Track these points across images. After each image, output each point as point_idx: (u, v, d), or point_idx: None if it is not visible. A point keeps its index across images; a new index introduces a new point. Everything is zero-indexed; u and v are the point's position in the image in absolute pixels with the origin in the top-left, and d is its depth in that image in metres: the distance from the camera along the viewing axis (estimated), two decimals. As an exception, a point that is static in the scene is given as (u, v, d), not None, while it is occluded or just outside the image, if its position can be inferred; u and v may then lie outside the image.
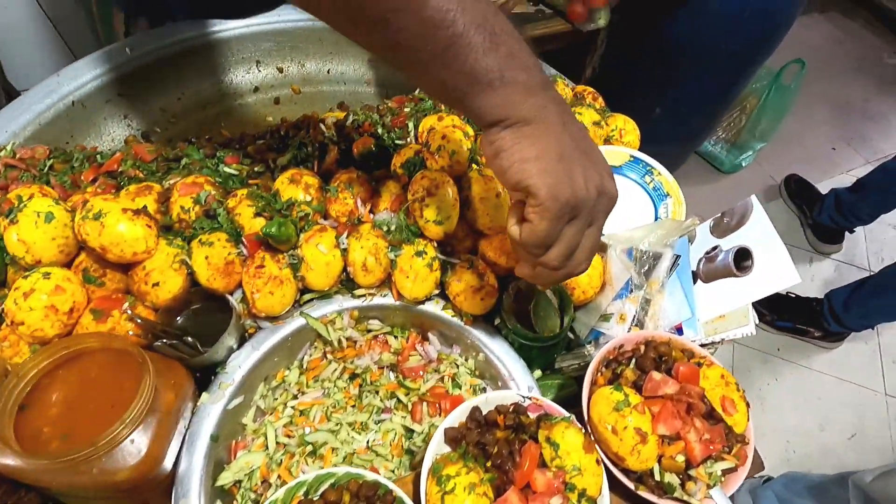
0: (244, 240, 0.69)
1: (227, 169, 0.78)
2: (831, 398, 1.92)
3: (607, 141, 0.94)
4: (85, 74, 0.98)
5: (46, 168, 0.76)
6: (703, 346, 0.72)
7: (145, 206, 0.69)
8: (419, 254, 0.71)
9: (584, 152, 0.50)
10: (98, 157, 0.77)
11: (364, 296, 0.74)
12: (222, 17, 1.09)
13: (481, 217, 0.73)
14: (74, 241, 0.64)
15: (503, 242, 0.74)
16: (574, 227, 0.50)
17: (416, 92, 0.96)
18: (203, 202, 0.70)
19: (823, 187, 2.50)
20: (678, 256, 0.76)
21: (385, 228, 0.72)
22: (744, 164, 2.86)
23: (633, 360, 0.67)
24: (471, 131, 0.81)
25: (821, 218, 2.35)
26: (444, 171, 0.73)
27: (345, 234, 0.72)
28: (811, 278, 2.30)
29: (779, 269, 0.71)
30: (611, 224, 0.58)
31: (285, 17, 1.14)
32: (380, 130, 0.85)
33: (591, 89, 1.00)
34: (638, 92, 2.18)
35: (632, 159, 0.93)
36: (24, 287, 0.59)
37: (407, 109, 0.88)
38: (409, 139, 0.84)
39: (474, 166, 0.75)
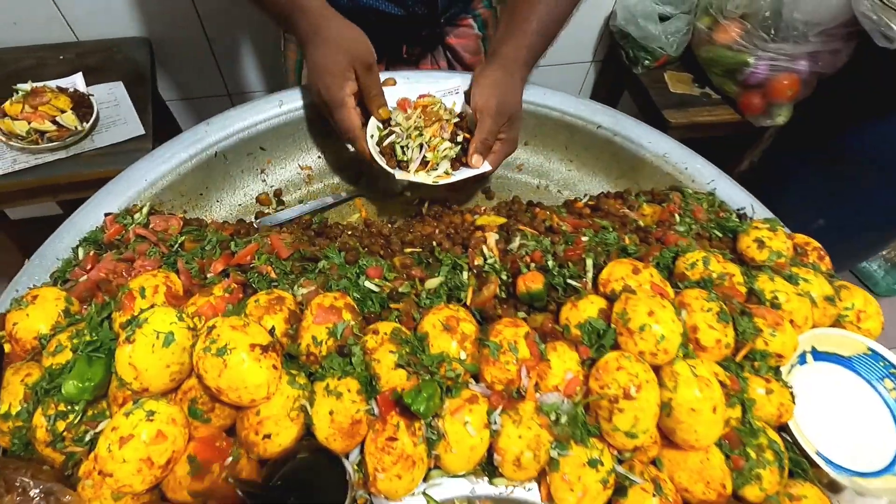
0: (377, 400, 0.55)
1: (368, 284, 0.66)
2: None
3: (837, 323, 0.72)
4: (234, 124, 0.91)
5: (177, 245, 0.68)
6: None
7: (273, 330, 0.57)
8: (592, 463, 0.53)
9: None
10: (232, 244, 0.67)
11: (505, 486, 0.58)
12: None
13: (685, 432, 0.54)
14: (189, 366, 0.53)
15: (704, 465, 0.55)
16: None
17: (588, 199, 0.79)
18: (339, 335, 0.58)
19: None
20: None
21: (553, 416, 0.56)
22: (903, 290, 2.44)
23: None
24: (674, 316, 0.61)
25: None
26: (643, 360, 0.56)
27: (499, 410, 0.56)
28: None
29: None
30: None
31: (439, 87, 1.02)
32: (549, 263, 0.69)
33: (814, 243, 0.78)
34: (800, 198, 1.90)
35: (869, 353, 0.70)
36: (123, 430, 0.48)
37: (585, 238, 0.72)
38: (586, 283, 0.67)
39: (684, 362, 0.57)
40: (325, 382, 0.56)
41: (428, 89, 0.95)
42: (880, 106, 1.59)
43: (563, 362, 0.58)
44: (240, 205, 0.95)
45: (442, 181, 0.83)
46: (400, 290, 0.66)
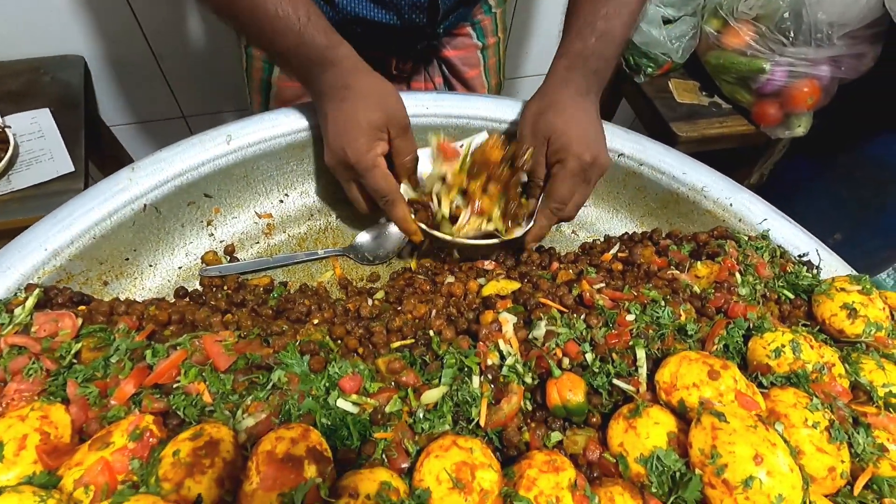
0: None
1: (342, 403, 0.47)
2: None
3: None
4: (168, 169, 0.72)
5: (69, 357, 0.48)
6: None
7: (199, 499, 0.38)
8: None
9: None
10: (148, 353, 0.48)
11: None
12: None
13: None
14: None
15: None
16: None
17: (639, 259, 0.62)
18: (298, 506, 0.39)
19: None
20: None
21: None
22: (914, 300, 2.32)
23: None
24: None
25: None
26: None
27: None
28: None
29: None
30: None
31: (434, 110, 0.84)
32: (588, 357, 0.51)
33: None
34: (814, 211, 1.76)
35: None
36: None
37: (631, 317, 0.54)
38: (638, 383, 0.49)
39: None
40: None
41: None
42: (903, 113, 1.45)
43: (628, 525, 0.40)
44: (180, 267, 0.75)
45: (495, 240, 0.72)
46: (387, 408, 0.48)
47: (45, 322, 0.49)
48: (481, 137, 0.82)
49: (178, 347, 0.49)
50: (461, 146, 0.80)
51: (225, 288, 0.72)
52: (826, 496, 0.45)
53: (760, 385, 0.51)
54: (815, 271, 0.69)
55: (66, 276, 0.64)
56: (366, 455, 0.45)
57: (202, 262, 0.76)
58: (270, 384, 0.48)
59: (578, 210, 0.72)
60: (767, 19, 1.35)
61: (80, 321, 0.51)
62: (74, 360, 0.49)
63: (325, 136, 0.72)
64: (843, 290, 0.60)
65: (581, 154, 0.66)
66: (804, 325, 0.60)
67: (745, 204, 0.78)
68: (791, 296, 0.64)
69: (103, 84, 1.38)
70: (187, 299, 0.69)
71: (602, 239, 0.84)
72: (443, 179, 0.74)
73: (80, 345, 0.49)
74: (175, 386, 0.47)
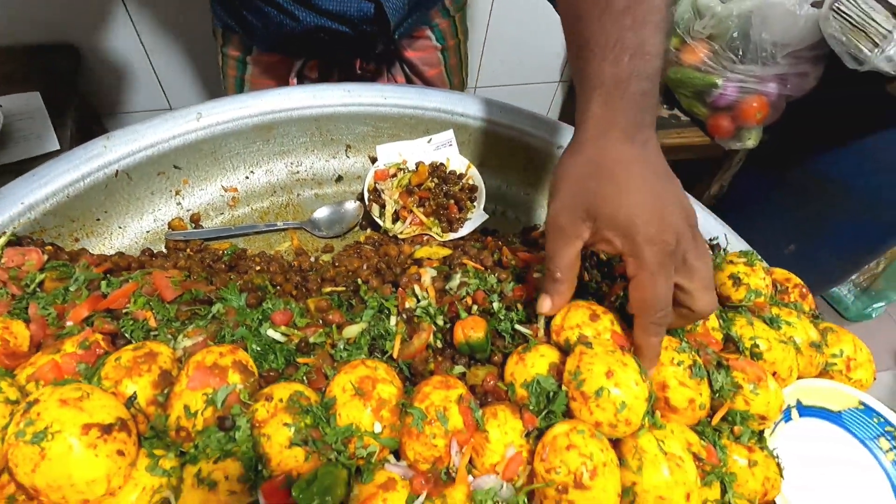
0: (262, 491, 0.42)
1: (271, 332, 0.53)
2: None
3: (824, 373, 0.63)
4: (141, 139, 0.79)
5: (34, 285, 0.55)
6: None
7: (133, 398, 0.45)
8: (539, 568, 0.42)
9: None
10: (103, 283, 0.55)
11: None
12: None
13: (653, 526, 0.43)
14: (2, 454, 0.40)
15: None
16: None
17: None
18: (220, 404, 0.45)
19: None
20: None
21: (489, 505, 0.44)
22: (873, 315, 2.42)
23: None
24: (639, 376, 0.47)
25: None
26: (599, 435, 0.45)
27: (422, 497, 0.44)
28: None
29: None
30: None
31: (392, 101, 0.93)
32: (495, 305, 0.58)
33: (795, 279, 0.70)
34: (770, 223, 1.85)
35: (861, 407, 0.61)
36: None
37: (538, 275, 0.61)
38: (537, 329, 0.56)
39: (650, 434, 0.46)
40: (196, 467, 0.43)
41: (415, 147, 0.92)
42: (848, 131, 1.55)
43: (504, 434, 0.47)
44: (148, 231, 0.82)
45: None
46: (311, 339, 0.54)
47: (14, 255, 0.56)
48: (446, 136, 0.92)
49: (130, 281, 0.55)
50: (428, 140, 0.91)
51: (188, 251, 0.79)
52: (689, 427, 0.52)
53: (643, 334, 0.58)
54: (721, 252, 0.77)
55: (39, 228, 0.71)
56: (288, 375, 0.52)
57: (168, 228, 0.83)
58: (210, 315, 0.55)
59: (705, 308, 0.49)
60: (720, 38, 1.46)
61: (45, 258, 0.58)
62: (38, 289, 0.55)
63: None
64: (731, 262, 0.67)
65: (657, 236, 0.45)
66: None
67: (666, 193, 0.86)
68: (691, 269, 0.71)
69: (94, 73, 1.46)
70: (150, 258, 0.75)
71: (542, 224, 0.92)
72: (380, 195, 0.87)
73: (43, 275, 0.55)
74: (125, 312, 0.53)
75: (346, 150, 0.96)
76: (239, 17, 0.98)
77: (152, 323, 0.53)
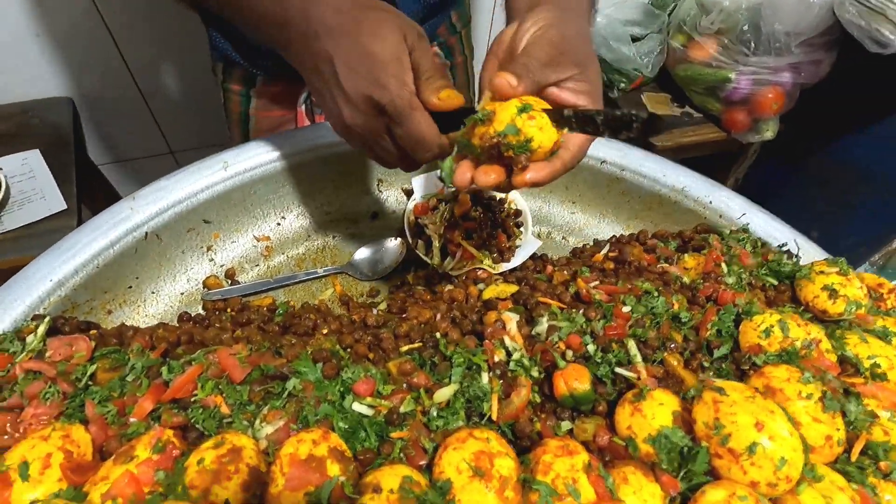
0: None
1: (357, 406, 0.48)
2: None
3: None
4: (168, 197, 0.73)
5: (84, 379, 0.49)
6: None
7: (226, 506, 0.39)
8: None
9: None
10: (164, 369, 0.49)
11: None
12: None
13: None
14: None
15: None
16: None
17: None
18: (325, 503, 0.40)
19: None
20: None
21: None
22: (892, 294, 2.40)
23: None
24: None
25: None
26: (764, 500, 0.40)
27: (564, 586, 0.39)
28: None
29: None
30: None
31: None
32: (590, 348, 0.53)
33: (889, 284, 0.66)
34: (790, 212, 1.82)
35: None
36: None
37: (627, 308, 0.57)
38: (638, 370, 0.51)
39: (812, 489, 0.41)
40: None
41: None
42: (864, 115, 1.54)
43: (643, 502, 0.42)
44: (182, 293, 0.76)
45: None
46: (401, 409, 0.49)
47: (59, 346, 0.50)
48: None
49: (192, 363, 0.50)
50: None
51: (228, 310, 0.73)
52: (825, 464, 0.48)
53: (754, 365, 0.53)
54: (795, 258, 0.73)
55: (70, 305, 0.65)
56: (385, 454, 0.46)
57: (203, 287, 0.77)
58: (286, 392, 0.49)
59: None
60: (729, 32, 1.43)
61: (93, 344, 0.52)
62: (90, 382, 0.49)
63: (333, 91, 0.54)
64: (822, 272, 0.63)
65: (562, 50, 0.52)
66: (790, 307, 0.63)
67: (723, 201, 0.82)
68: (775, 282, 0.67)
69: (91, 123, 1.40)
70: (192, 323, 0.69)
71: (591, 243, 0.88)
72: (423, 231, 0.82)
73: (95, 366, 0.50)
74: (192, 400, 0.48)
75: (377, 185, 0.91)
76: (241, 45, 0.92)
77: (224, 409, 0.47)
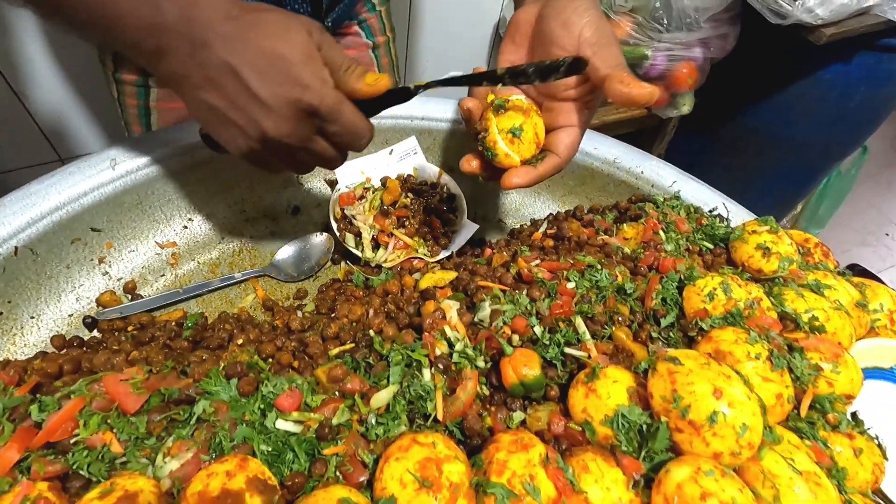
0: None
1: (281, 423, 0.42)
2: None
3: (871, 331, 0.60)
4: (39, 203, 0.62)
5: (-73, 433, 0.39)
6: None
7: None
8: None
9: None
10: (33, 409, 0.40)
11: None
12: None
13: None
14: None
15: None
16: None
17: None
18: (245, 546, 0.33)
19: (884, 277, 2.25)
20: None
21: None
22: (800, 253, 2.61)
23: None
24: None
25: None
26: (729, 471, 0.37)
27: None
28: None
29: None
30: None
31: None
32: (537, 330, 0.50)
33: (814, 238, 0.67)
34: (709, 180, 1.91)
35: (911, 360, 0.59)
36: None
37: (571, 285, 0.53)
38: (587, 348, 0.48)
39: (773, 453, 0.39)
40: None
41: (377, 161, 0.82)
42: (769, 84, 1.63)
43: (607, 490, 0.38)
44: (70, 315, 0.65)
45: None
46: (334, 420, 0.43)
47: None
48: (409, 144, 0.82)
49: (72, 396, 0.41)
50: (390, 151, 0.81)
51: (129, 329, 0.64)
52: (778, 423, 0.47)
53: (701, 330, 0.52)
54: (726, 221, 0.73)
55: (-78, 344, 0.53)
56: (317, 475, 0.40)
57: (98, 306, 0.66)
58: (194, 418, 0.42)
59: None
60: (643, 10, 1.46)
61: (-60, 386, 0.42)
62: (-63, 435, 0.39)
63: (244, 104, 0.47)
64: (754, 232, 0.64)
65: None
66: (728, 269, 0.63)
67: (654, 170, 0.82)
68: (710, 246, 0.67)
69: (-44, 133, 1.21)
70: (81, 349, 0.59)
71: (528, 223, 0.85)
72: (351, 222, 0.76)
73: (-60, 415, 0.40)
74: (73, 441, 0.39)
75: (297, 177, 0.83)
76: None
77: (116, 448, 0.39)
